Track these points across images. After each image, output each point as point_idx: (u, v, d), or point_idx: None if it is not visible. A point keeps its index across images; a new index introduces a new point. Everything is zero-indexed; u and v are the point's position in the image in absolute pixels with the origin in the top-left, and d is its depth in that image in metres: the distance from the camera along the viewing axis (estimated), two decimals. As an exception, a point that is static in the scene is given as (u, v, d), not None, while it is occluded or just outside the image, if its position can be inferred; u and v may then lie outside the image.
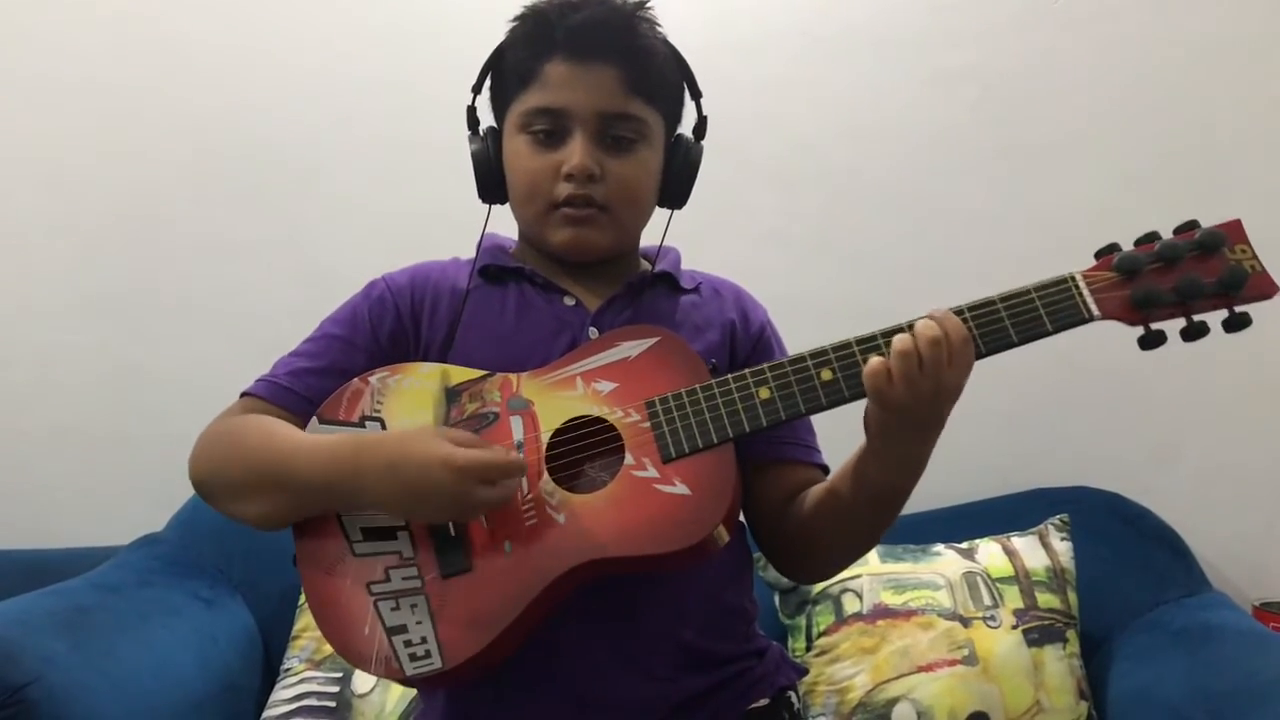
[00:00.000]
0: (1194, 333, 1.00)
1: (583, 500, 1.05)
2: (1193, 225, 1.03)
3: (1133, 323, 1.02)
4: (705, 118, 1.26)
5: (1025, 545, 1.87)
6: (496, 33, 1.23)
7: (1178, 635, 1.73)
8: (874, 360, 0.99)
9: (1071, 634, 1.78)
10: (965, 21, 2.20)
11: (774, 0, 2.22)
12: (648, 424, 1.06)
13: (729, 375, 1.06)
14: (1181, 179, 2.12)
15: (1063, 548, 1.87)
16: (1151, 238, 1.04)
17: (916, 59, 2.21)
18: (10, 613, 1.54)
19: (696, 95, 1.25)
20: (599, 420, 1.08)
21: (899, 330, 1.03)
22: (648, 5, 1.21)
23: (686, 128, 1.27)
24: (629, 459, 1.05)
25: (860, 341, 1.04)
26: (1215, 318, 1.01)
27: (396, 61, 2.26)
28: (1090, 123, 2.17)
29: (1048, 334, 1.02)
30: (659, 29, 1.22)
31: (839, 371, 1.03)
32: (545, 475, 1.07)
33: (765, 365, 1.06)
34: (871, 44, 2.21)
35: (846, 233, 2.21)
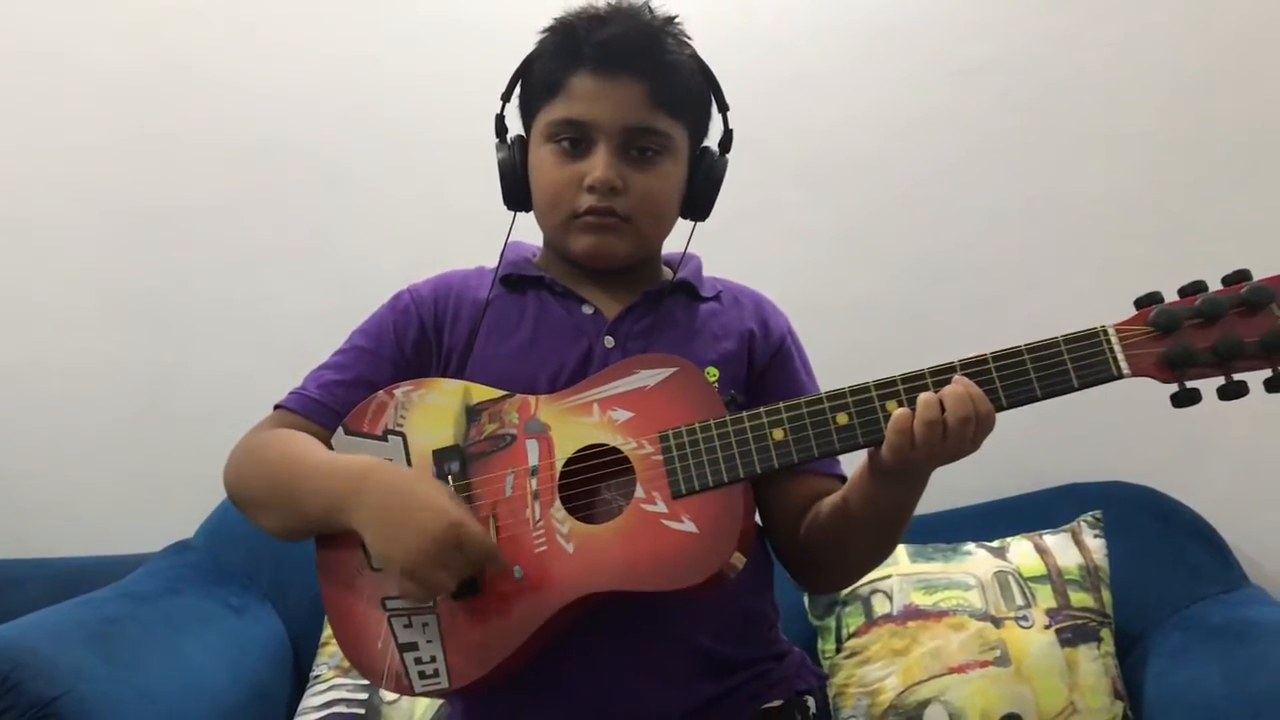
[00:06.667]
0: (1231, 393, 0.97)
1: (592, 531, 1.06)
2: (1243, 276, 0.99)
3: (1165, 380, 0.99)
4: (731, 131, 1.26)
5: (1057, 543, 1.84)
6: (523, 35, 1.24)
7: (1215, 632, 1.70)
8: (898, 418, 0.99)
9: (1106, 633, 1.75)
10: (991, 11, 2.16)
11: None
12: (660, 457, 1.06)
13: (744, 414, 1.06)
14: (1220, 168, 2.07)
15: (1096, 545, 1.84)
16: (1197, 288, 1.00)
17: (942, 51, 2.17)
18: (41, 625, 1.55)
19: (724, 108, 1.25)
20: (614, 450, 1.08)
21: (920, 380, 1.02)
22: (676, 20, 1.22)
23: (713, 139, 1.27)
24: (640, 492, 1.06)
25: (879, 387, 1.03)
26: (1256, 376, 0.97)
27: (424, 64, 2.26)
28: (1120, 111, 2.13)
29: (1073, 390, 1.01)
30: (687, 42, 1.22)
31: (855, 417, 1.03)
32: (557, 503, 1.07)
33: (781, 405, 1.06)
34: (896, 36, 2.18)
35: (872, 229, 2.18)
